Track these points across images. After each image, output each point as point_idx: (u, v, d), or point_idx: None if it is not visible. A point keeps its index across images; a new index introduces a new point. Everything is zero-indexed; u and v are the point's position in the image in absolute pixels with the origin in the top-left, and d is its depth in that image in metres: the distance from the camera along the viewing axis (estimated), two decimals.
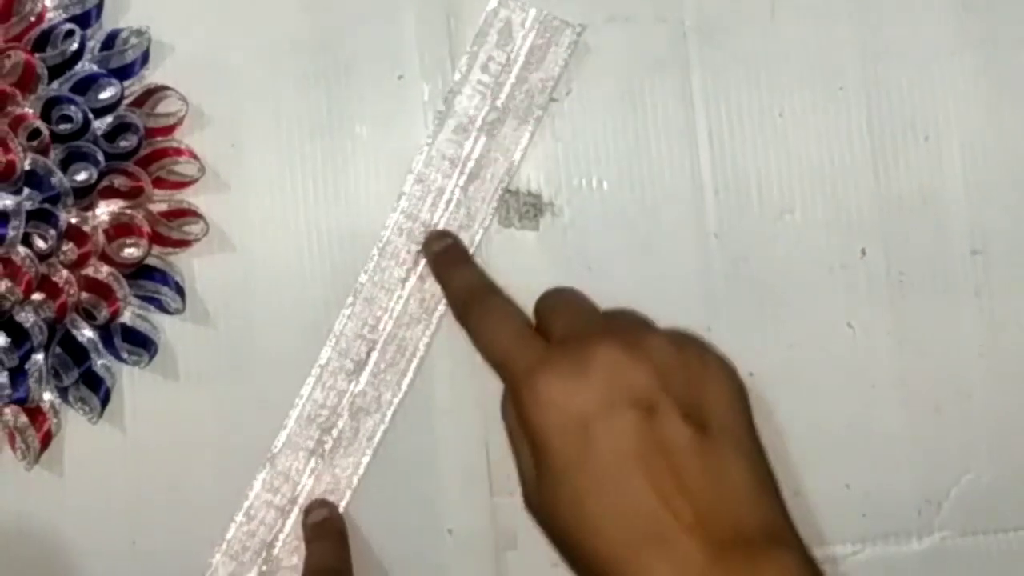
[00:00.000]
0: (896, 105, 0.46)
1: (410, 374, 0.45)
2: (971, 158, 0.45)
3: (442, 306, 0.45)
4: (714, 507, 0.33)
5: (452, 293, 0.43)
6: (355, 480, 0.44)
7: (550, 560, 0.45)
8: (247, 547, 0.44)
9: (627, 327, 0.37)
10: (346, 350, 0.45)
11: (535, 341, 0.37)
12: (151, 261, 0.44)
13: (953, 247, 0.45)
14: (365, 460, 0.45)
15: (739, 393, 0.36)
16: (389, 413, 0.45)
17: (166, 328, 0.45)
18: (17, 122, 0.42)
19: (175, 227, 0.44)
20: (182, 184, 0.44)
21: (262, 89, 0.45)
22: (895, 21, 0.46)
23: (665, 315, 0.45)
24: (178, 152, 0.44)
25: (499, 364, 0.37)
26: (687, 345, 0.36)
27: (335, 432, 0.44)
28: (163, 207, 0.44)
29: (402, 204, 0.45)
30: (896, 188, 0.45)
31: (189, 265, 0.45)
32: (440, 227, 0.45)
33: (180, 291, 0.44)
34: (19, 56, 0.42)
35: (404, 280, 0.45)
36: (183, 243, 0.44)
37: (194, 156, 0.44)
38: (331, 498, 0.44)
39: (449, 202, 0.45)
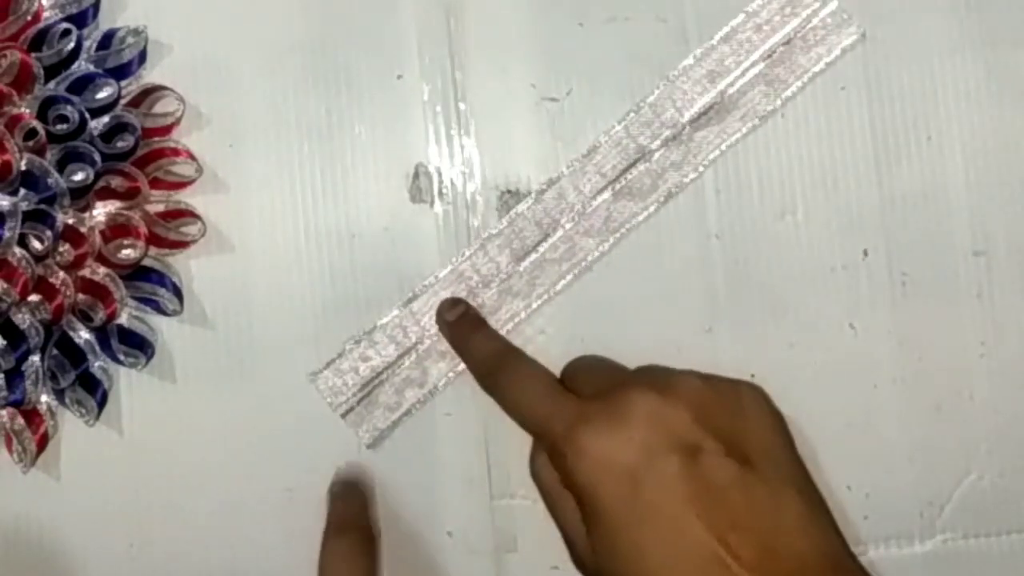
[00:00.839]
0: (898, 105, 0.45)
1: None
2: (973, 158, 0.45)
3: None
4: (772, 542, 0.33)
5: (474, 361, 0.43)
6: None
7: (550, 563, 0.45)
8: None
9: (657, 373, 0.38)
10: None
11: (568, 399, 0.37)
12: (148, 262, 0.44)
13: (955, 248, 0.45)
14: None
15: (778, 421, 0.36)
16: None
17: (164, 330, 0.44)
18: (13, 122, 0.42)
19: (172, 228, 0.44)
20: (180, 184, 0.44)
21: (261, 89, 0.45)
22: (895, 21, 0.46)
23: (666, 315, 0.45)
24: (175, 152, 0.44)
25: (535, 426, 0.38)
26: (719, 381, 0.36)
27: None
28: (160, 208, 0.44)
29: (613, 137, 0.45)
30: (898, 188, 0.45)
31: (187, 266, 0.44)
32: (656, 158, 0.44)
33: (178, 292, 0.44)
34: (15, 56, 0.42)
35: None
36: (181, 244, 0.44)
37: (192, 156, 0.44)
38: None
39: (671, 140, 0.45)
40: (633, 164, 0.45)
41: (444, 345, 0.44)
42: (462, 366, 0.44)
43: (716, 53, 0.45)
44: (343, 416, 0.44)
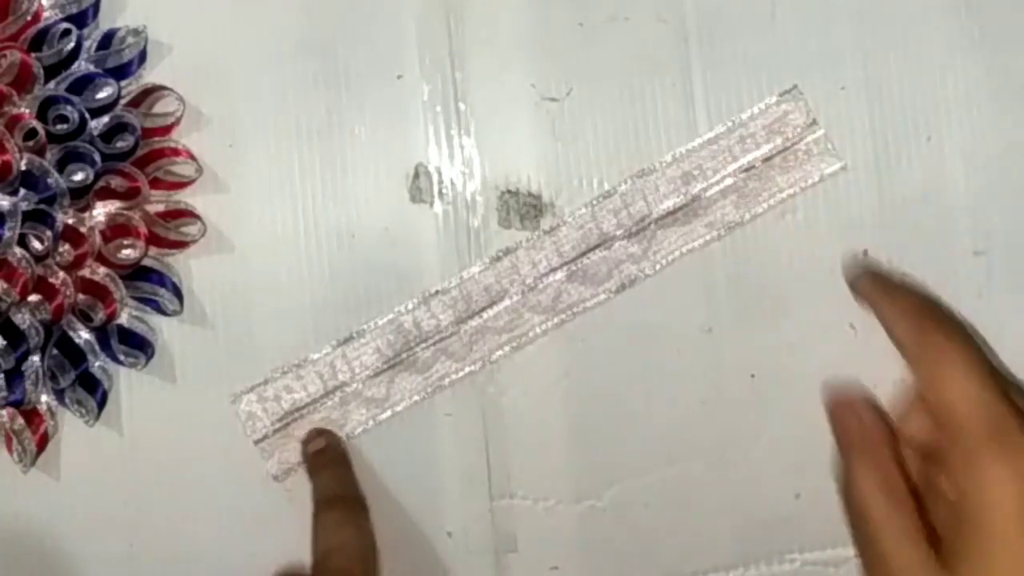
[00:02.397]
0: (898, 105, 0.45)
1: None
2: (973, 158, 0.45)
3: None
4: None
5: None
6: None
7: (550, 563, 0.45)
8: None
9: None
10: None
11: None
12: (148, 262, 0.44)
13: (955, 248, 0.45)
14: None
15: None
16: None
17: (163, 330, 0.44)
18: (13, 122, 0.42)
19: (172, 228, 0.44)
20: (179, 184, 0.44)
21: (261, 89, 0.45)
22: (895, 21, 0.46)
23: (666, 315, 0.45)
24: (175, 152, 0.44)
25: None
26: None
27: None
28: (160, 208, 0.44)
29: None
30: (898, 188, 0.45)
31: (187, 266, 0.44)
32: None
33: (178, 292, 0.44)
34: (15, 55, 0.42)
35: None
36: (181, 244, 0.44)
37: (192, 156, 0.44)
38: None
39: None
40: (592, 249, 0.45)
41: (370, 392, 0.44)
42: (383, 415, 0.44)
43: (696, 156, 0.45)
44: (256, 443, 0.44)
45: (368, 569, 0.40)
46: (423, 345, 0.44)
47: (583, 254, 0.45)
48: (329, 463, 0.44)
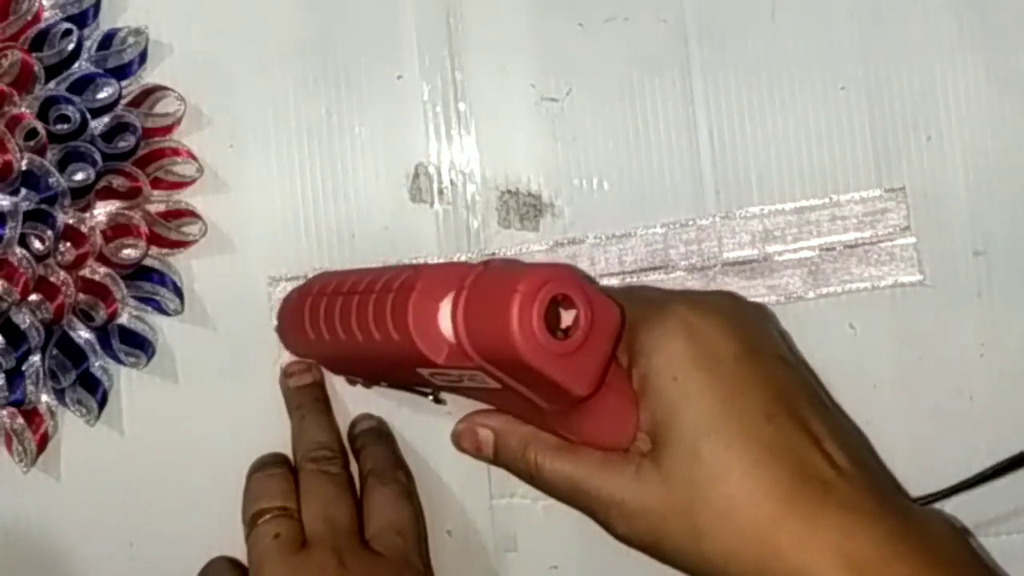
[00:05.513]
0: (898, 105, 0.45)
1: None
2: (973, 158, 0.45)
3: None
4: (857, 453, 0.36)
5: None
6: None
7: (550, 562, 0.45)
8: None
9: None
10: None
11: None
12: (149, 262, 0.44)
13: (955, 248, 0.45)
14: None
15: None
16: None
17: (164, 329, 0.44)
18: (14, 122, 0.42)
19: (173, 228, 0.44)
20: (180, 184, 0.44)
21: (261, 89, 0.45)
22: (895, 21, 0.46)
23: None
24: (176, 152, 0.44)
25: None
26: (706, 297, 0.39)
27: None
28: (161, 207, 0.44)
29: None
30: (898, 187, 0.45)
31: (187, 266, 0.44)
32: None
33: (178, 292, 0.44)
34: (16, 55, 0.42)
35: None
36: (181, 244, 0.44)
37: (192, 156, 0.44)
38: None
39: None
40: (654, 269, 0.45)
41: None
42: None
43: (783, 218, 0.44)
44: (276, 329, 0.44)
45: (421, 549, 0.42)
46: None
47: (643, 270, 0.44)
48: (373, 436, 0.44)
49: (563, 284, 0.32)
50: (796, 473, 0.34)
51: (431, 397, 0.42)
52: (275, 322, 0.44)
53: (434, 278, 0.34)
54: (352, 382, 0.44)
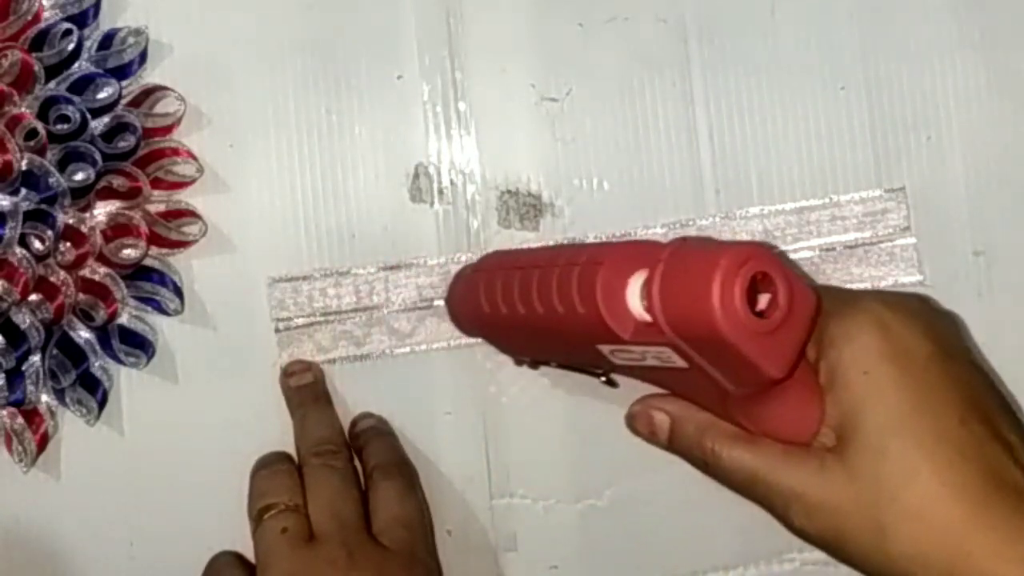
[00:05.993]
0: (897, 105, 0.45)
1: None
2: (973, 158, 0.45)
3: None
4: None
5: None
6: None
7: (549, 562, 0.45)
8: None
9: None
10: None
11: None
12: (149, 262, 0.44)
13: (955, 248, 0.45)
14: None
15: None
16: None
17: (164, 329, 0.44)
18: (14, 122, 0.42)
19: (173, 228, 0.44)
20: (180, 184, 0.44)
21: (261, 89, 0.45)
22: (895, 21, 0.46)
23: None
24: (176, 152, 0.44)
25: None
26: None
27: None
28: (161, 207, 0.44)
29: None
30: (898, 187, 0.45)
31: (188, 266, 0.44)
32: None
33: (178, 292, 0.44)
34: (16, 55, 0.42)
35: None
36: (181, 244, 0.44)
37: (192, 156, 0.44)
38: None
39: None
40: None
41: (398, 323, 0.44)
42: (402, 350, 0.44)
43: (783, 218, 0.44)
44: (276, 331, 0.44)
45: (428, 542, 0.42)
46: None
47: None
48: (375, 433, 0.44)
49: (765, 262, 0.31)
50: (989, 479, 0.33)
51: (603, 378, 0.40)
52: (443, 301, 0.44)
53: (623, 253, 0.34)
54: (520, 362, 0.44)
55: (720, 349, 0.32)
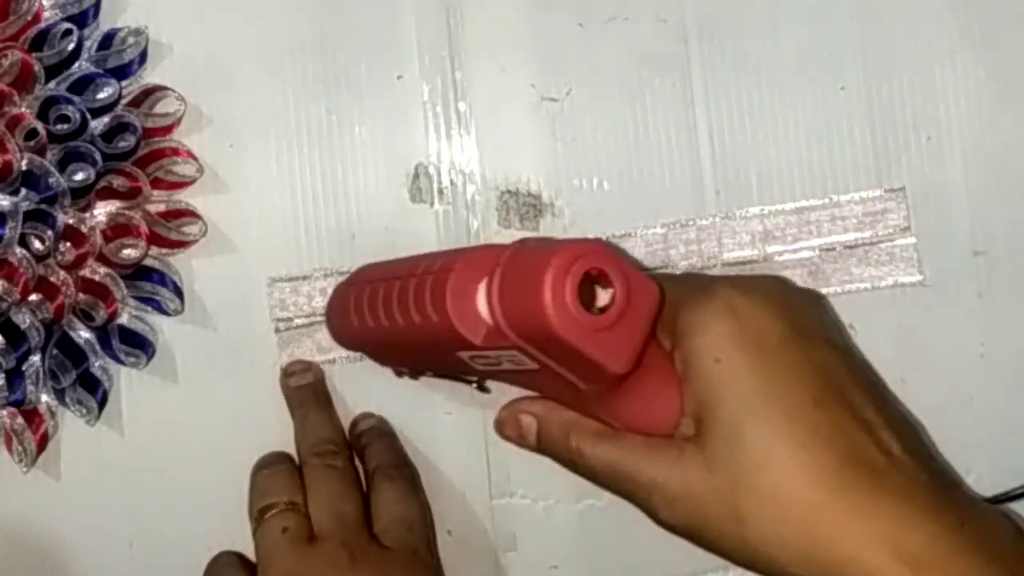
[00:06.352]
0: (897, 105, 0.45)
1: None
2: (973, 158, 0.45)
3: None
4: (910, 444, 0.35)
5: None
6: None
7: (549, 562, 0.45)
8: None
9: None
10: None
11: None
12: (149, 262, 0.44)
13: (955, 248, 0.45)
14: None
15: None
16: None
17: (165, 329, 0.44)
18: (14, 122, 0.42)
19: (173, 228, 0.44)
20: (180, 184, 0.44)
21: (261, 89, 0.45)
22: (895, 21, 0.46)
23: None
24: (176, 152, 0.44)
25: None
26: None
27: None
28: (161, 207, 0.44)
29: None
30: (898, 187, 0.45)
31: (188, 266, 0.44)
32: None
33: (179, 292, 0.44)
34: (16, 55, 0.42)
35: None
36: (181, 244, 0.44)
37: (192, 156, 0.44)
38: None
39: None
40: (652, 269, 0.44)
41: None
42: None
43: (783, 218, 0.44)
44: (276, 331, 0.44)
45: (430, 543, 0.42)
46: None
47: (643, 271, 0.44)
48: (376, 433, 0.44)
49: (597, 258, 0.31)
50: (845, 459, 0.33)
51: (475, 385, 0.41)
52: (323, 316, 0.44)
53: (472, 259, 0.34)
54: (399, 373, 0.44)
55: (560, 349, 0.32)
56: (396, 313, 0.36)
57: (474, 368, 0.37)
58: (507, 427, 0.40)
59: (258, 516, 0.40)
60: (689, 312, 0.35)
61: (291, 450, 0.44)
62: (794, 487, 0.33)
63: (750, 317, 0.35)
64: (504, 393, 0.40)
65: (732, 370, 0.34)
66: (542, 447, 0.39)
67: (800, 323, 0.36)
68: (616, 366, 0.32)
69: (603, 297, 0.32)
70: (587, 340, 0.31)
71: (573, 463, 0.38)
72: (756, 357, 0.34)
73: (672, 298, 0.35)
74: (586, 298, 0.31)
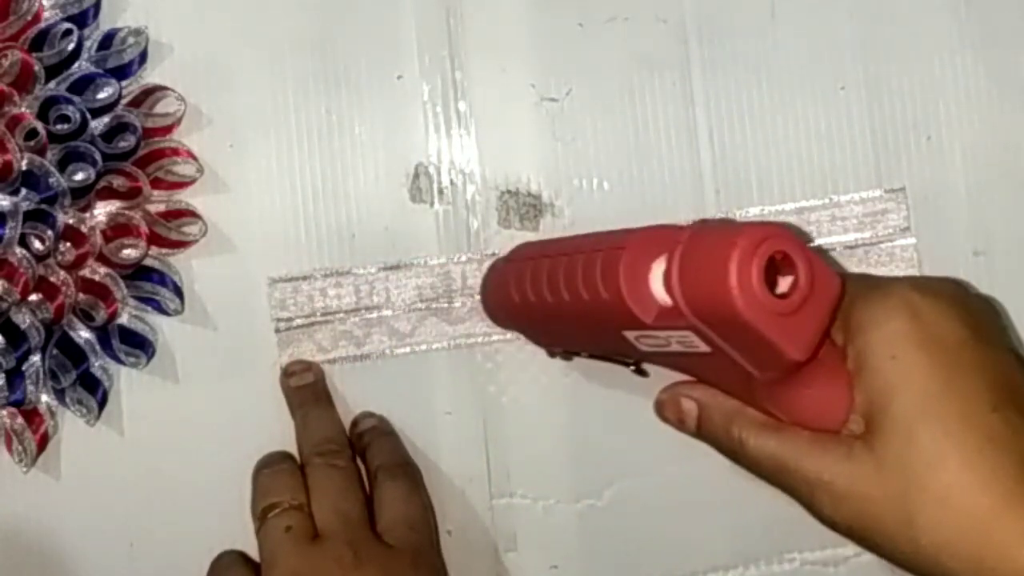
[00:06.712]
0: (897, 105, 0.45)
1: None
2: (973, 158, 0.45)
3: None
4: None
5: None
6: None
7: (549, 562, 0.45)
8: None
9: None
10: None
11: None
12: (149, 262, 0.44)
13: (955, 248, 0.45)
14: None
15: None
16: None
17: (165, 329, 0.44)
18: (14, 122, 0.42)
19: (173, 228, 0.44)
20: (180, 184, 0.44)
21: (261, 89, 0.45)
22: (895, 21, 0.46)
23: None
24: (176, 152, 0.44)
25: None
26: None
27: None
28: (161, 207, 0.44)
29: None
30: (898, 187, 0.45)
31: (188, 266, 0.44)
32: None
33: (179, 292, 0.44)
34: (16, 55, 0.42)
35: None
36: (181, 244, 0.44)
37: (192, 156, 0.44)
38: None
39: None
40: None
41: (398, 323, 0.44)
42: (402, 350, 0.44)
43: (782, 218, 0.44)
44: (276, 331, 0.44)
45: (434, 542, 0.42)
46: (463, 299, 0.44)
47: None
48: (378, 433, 0.44)
49: (783, 242, 0.31)
50: (1021, 467, 0.32)
51: (633, 367, 0.40)
52: (478, 295, 0.44)
53: (645, 238, 0.34)
54: (552, 353, 0.44)
55: (740, 331, 0.31)
56: (562, 289, 0.36)
57: (637, 349, 0.36)
58: (667, 409, 0.39)
59: (261, 515, 0.40)
60: (865, 307, 0.35)
61: (292, 450, 0.44)
62: (968, 492, 0.32)
63: (929, 316, 0.34)
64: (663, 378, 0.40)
65: (908, 369, 0.33)
66: (701, 433, 0.38)
67: (979, 327, 0.35)
68: (796, 353, 0.31)
69: (783, 284, 0.31)
70: (770, 324, 0.31)
71: (734, 452, 0.37)
72: (934, 357, 0.33)
73: (848, 292, 0.35)
74: (769, 280, 0.31)
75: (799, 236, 0.34)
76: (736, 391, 0.37)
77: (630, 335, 0.35)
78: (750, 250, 0.30)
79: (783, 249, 0.31)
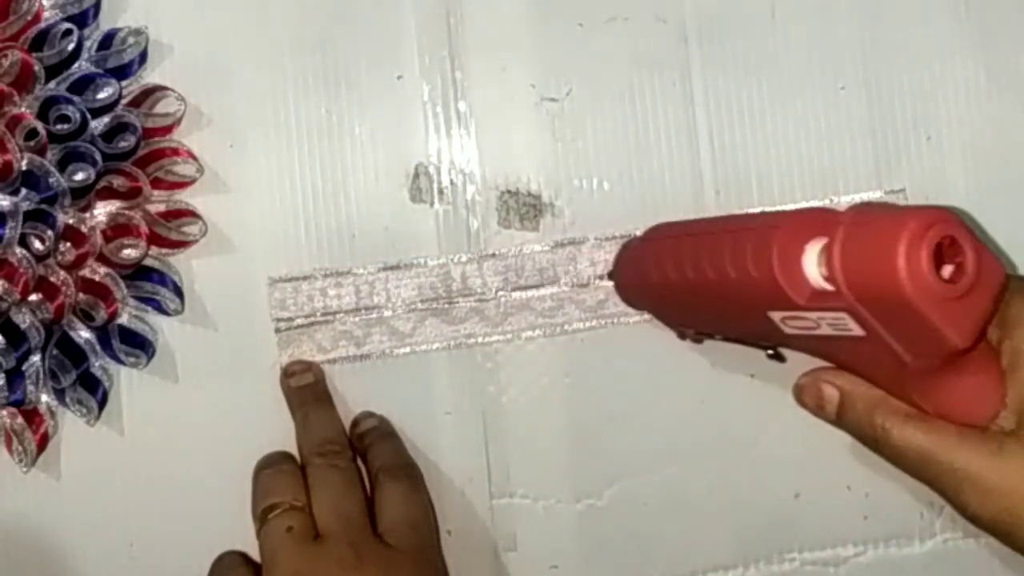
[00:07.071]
0: (897, 105, 0.45)
1: None
2: (973, 158, 0.45)
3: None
4: None
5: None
6: None
7: (549, 561, 0.45)
8: None
9: None
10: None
11: None
12: (149, 262, 0.44)
13: None
14: None
15: None
16: None
17: (165, 329, 0.44)
18: (14, 122, 0.42)
19: (173, 228, 0.44)
20: (180, 184, 0.44)
21: (261, 89, 0.45)
22: (895, 21, 0.46)
23: None
24: (176, 152, 0.44)
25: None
26: None
27: None
28: (161, 207, 0.44)
29: None
30: (898, 188, 0.45)
31: (188, 266, 0.44)
32: None
33: (179, 292, 0.44)
34: (16, 55, 0.42)
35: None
36: (182, 244, 0.44)
37: (192, 156, 0.44)
38: None
39: None
40: None
41: (397, 323, 0.44)
42: (402, 350, 0.44)
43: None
44: (276, 331, 0.44)
45: (435, 542, 0.42)
46: (463, 299, 0.44)
47: None
48: (379, 434, 0.44)
49: (951, 227, 0.31)
50: None
51: (770, 352, 0.40)
52: (608, 276, 0.44)
53: (800, 219, 0.34)
54: (683, 335, 0.43)
55: (903, 314, 0.31)
56: (707, 267, 0.36)
57: (780, 331, 0.36)
58: (806, 394, 0.39)
59: (262, 516, 0.40)
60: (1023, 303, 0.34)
61: (292, 450, 0.44)
62: None
63: None
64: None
65: None
66: (842, 421, 0.38)
67: None
68: (958, 339, 0.31)
69: (946, 271, 0.31)
70: (936, 308, 0.30)
71: (875, 441, 0.36)
72: None
73: (1008, 288, 0.34)
74: (935, 267, 0.31)
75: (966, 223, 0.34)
76: (880, 379, 0.36)
77: (776, 316, 0.35)
78: (920, 233, 0.30)
79: (951, 234, 0.31)
